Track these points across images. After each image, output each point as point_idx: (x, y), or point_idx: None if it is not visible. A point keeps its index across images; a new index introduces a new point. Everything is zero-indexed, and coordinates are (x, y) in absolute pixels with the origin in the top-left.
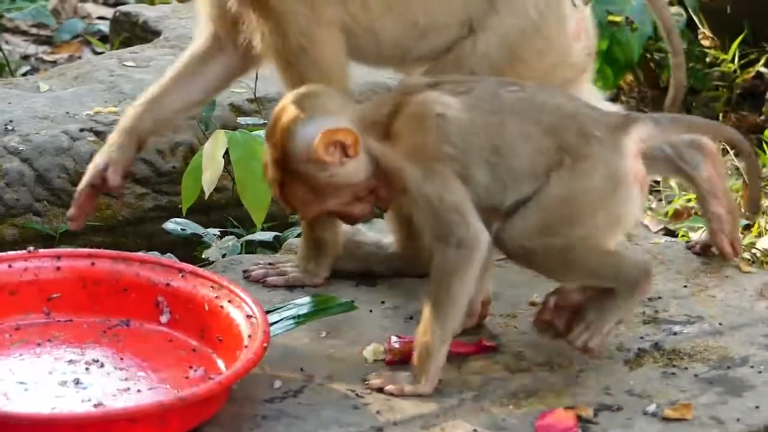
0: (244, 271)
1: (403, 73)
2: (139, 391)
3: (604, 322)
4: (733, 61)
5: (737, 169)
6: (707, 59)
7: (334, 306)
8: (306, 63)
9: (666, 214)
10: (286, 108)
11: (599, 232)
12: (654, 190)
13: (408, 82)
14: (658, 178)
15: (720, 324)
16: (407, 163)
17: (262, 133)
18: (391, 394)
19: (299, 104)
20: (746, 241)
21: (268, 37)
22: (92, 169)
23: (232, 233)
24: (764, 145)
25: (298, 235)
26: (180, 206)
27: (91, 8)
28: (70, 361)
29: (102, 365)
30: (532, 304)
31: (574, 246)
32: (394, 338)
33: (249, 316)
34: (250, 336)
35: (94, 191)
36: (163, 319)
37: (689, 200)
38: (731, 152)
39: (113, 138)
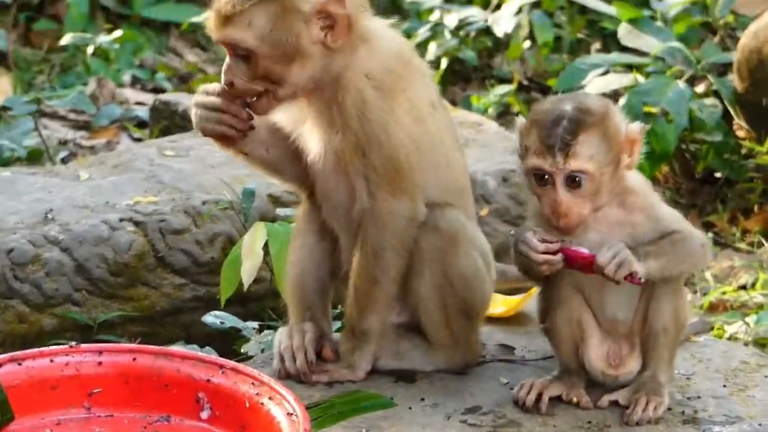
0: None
1: None
2: None
3: None
4: None
5: None
6: (743, 151)
7: (373, 403)
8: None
9: (701, 306)
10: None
11: None
12: (689, 282)
13: None
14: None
15: (760, 425)
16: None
17: None
18: None
19: None
20: None
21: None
22: None
23: (270, 327)
24: None
25: (338, 330)
26: (218, 297)
27: (128, 94)
28: None
29: None
30: None
31: None
32: None
33: (290, 414)
34: None
35: None
36: (204, 415)
37: (724, 293)
38: None
39: None
